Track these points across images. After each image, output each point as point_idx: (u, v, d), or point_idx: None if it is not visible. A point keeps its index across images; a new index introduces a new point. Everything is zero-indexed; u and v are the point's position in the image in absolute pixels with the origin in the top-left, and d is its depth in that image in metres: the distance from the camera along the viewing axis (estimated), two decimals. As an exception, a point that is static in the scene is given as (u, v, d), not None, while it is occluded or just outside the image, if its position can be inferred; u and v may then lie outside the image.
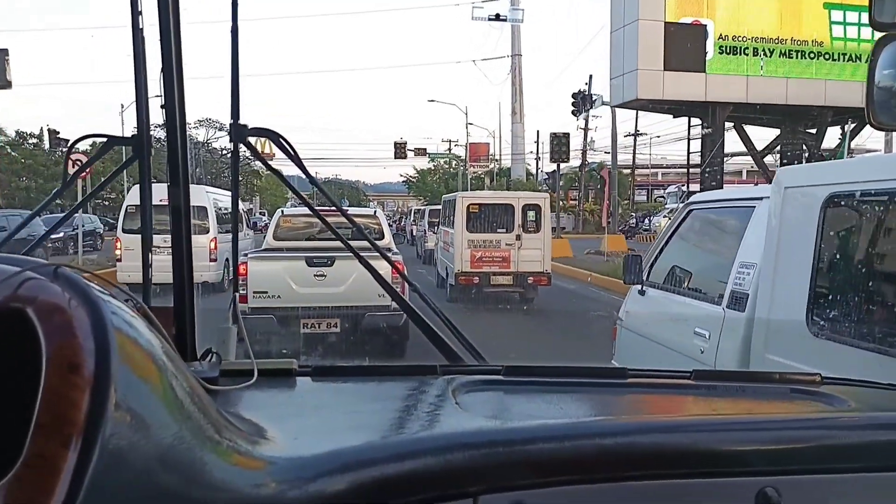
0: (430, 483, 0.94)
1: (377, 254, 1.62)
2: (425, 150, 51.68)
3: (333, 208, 1.87)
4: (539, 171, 54.42)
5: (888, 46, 1.37)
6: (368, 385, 1.38)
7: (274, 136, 1.45)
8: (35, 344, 0.69)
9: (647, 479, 1.02)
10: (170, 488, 0.72)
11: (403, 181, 60.72)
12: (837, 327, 2.62)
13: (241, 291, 6.98)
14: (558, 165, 33.21)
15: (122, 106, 42.30)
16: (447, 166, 57.68)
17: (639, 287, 4.72)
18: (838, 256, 2.79)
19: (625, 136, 45.24)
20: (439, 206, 17.75)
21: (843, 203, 2.73)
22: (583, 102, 34.93)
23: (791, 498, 1.04)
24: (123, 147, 1.44)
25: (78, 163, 9.80)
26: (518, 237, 12.58)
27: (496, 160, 52.82)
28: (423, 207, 30.96)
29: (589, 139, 43.10)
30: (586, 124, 37.46)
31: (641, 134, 47.01)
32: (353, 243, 1.63)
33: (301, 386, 1.33)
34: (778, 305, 2.95)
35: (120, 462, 0.66)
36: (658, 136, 44.76)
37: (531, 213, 12.84)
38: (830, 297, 2.73)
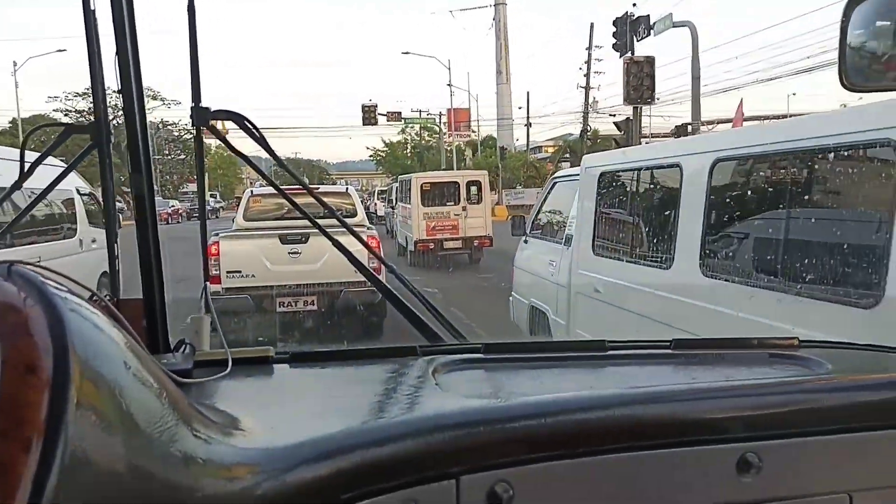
0: (411, 466, 0.94)
1: (355, 230, 1.60)
2: (399, 113, 43.53)
3: (302, 188, 1.83)
4: (527, 138, 45.81)
5: (859, 7, 1.33)
6: (347, 369, 1.37)
7: (238, 118, 1.42)
8: None
9: (628, 450, 1.03)
10: (139, 488, 0.70)
11: (370, 156, 55.95)
12: (604, 250, 4.67)
13: (213, 272, 6.64)
14: (638, 110, 19.32)
15: (15, 64, 38.48)
16: (419, 138, 52.53)
17: (524, 238, 6.75)
18: (605, 210, 4.83)
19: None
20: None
21: (610, 176, 4.77)
22: (631, 30, 18.63)
23: (772, 462, 1.05)
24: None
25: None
26: (464, 208, 15.28)
27: (473, 132, 47.13)
28: (389, 185, 30.70)
29: (591, 99, 36.97)
30: (628, 68, 17.53)
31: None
32: (325, 222, 1.61)
33: (278, 373, 1.31)
34: (582, 241, 4.99)
35: (84, 464, 0.63)
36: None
37: (473, 189, 15.65)
38: (601, 234, 4.78)
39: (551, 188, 6.64)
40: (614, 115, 39.75)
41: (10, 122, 42.38)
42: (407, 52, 48.75)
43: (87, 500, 0.63)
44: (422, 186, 15.62)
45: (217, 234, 7.72)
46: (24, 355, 0.64)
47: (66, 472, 0.60)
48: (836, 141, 2.54)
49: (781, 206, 2.88)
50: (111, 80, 1.31)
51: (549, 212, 6.54)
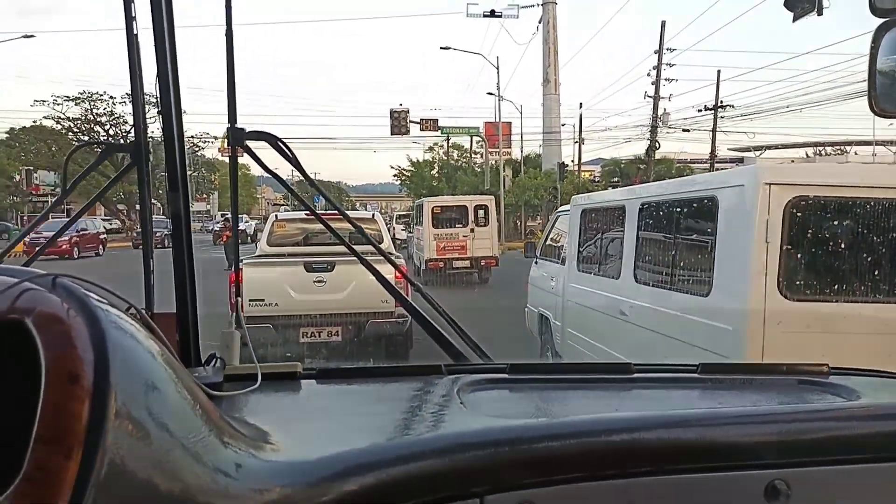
0: (435, 484, 0.94)
1: (379, 257, 1.61)
2: (435, 121, 35.22)
3: (332, 212, 1.83)
4: (578, 157, 39.48)
5: (889, 32, 1.32)
6: (373, 386, 1.37)
7: (272, 139, 1.43)
8: (35, 355, 0.68)
9: (654, 474, 1.01)
10: (173, 496, 0.71)
11: (395, 175, 50.89)
12: (584, 267, 6.22)
13: (234, 299, 6.91)
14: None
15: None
16: (447, 157, 48.28)
17: (535, 259, 8.31)
18: (586, 239, 6.36)
19: (700, 112, 32.79)
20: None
21: (588, 212, 6.32)
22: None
23: (801, 490, 1.03)
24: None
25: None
26: (472, 230, 16.72)
27: (507, 152, 40.65)
28: (410, 210, 29.69)
29: (661, 111, 32.35)
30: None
31: (725, 105, 32.63)
32: (355, 247, 1.62)
33: (306, 389, 1.32)
34: (570, 261, 6.53)
35: (122, 472, 0.65)
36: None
37: (481, 212, 17.07)
38: (583, 255, 6.32)
39: (555, 220, 8.19)
40: (688, 130, 34.84)
41: (6, 132, 42.11)
42: (447, 48, 37.61)
43: None
44: (433, 210, 17.31)
45: (241, 260, 7.75)
46: (67, 366, 0.66)
47: (105, 479, 0.62)
48: (695, 192, 4.10)
49: (667, 234, 4.44)
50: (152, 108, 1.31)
51: (553, 238, 8.09)
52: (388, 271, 1.66)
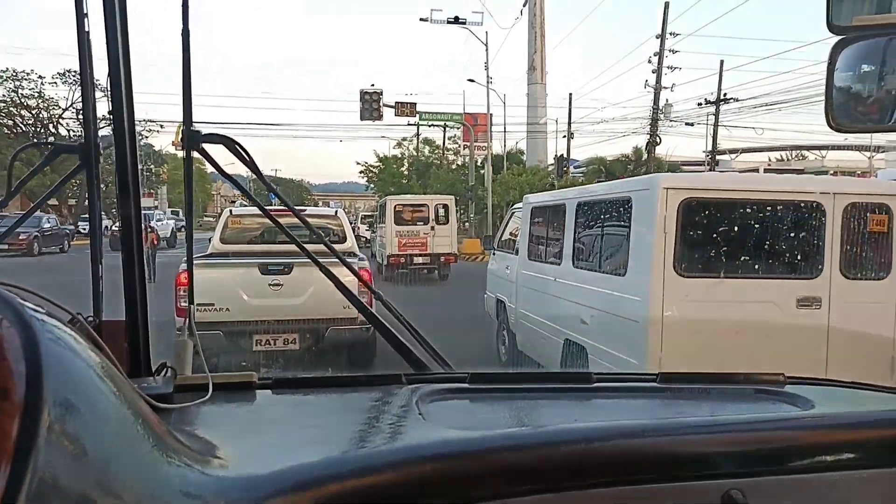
0: (391, 498, 0.92)
1: (330, 260, 1.56)
2: (412, 105, 29.61)
3: (287, 209, 1.76)
4: (567, 152, 34.99)
5: (845, 50, 1.35)
6: (331, 397, 1.35)
7: (229, 143, 1.40)
8: None
9: (612, 485, 1.01)
10: None
11: (361, 171, 47.39)
12: (533, 256, 7.27)
13: (182, 304, 5.84)
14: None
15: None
16: (417, 153, 45.30)
17: (492, 252, 9.36)
18: (535, 232, 7.41)
19: (699, 106, 30.17)
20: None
21: (537, 209, 7.38)
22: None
23: (756, 499, 1.04)
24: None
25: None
26: (433, 228, 17.60)
27: (484, 146, 35.02)
28: (375, 209, 28.42)
29: (662, 102, 29.41)
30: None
31: (728, 99, 29.83)
32: (313, 247, 1.58)
33: (260, 400, 1.29)
34: (522, 251, 7.59)
35: (54, 491, 0.61)
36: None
37: (441, 210, 17.93)
38: (532, 246, 7.38)
39: (510, 216, 9.25)
40: (692, 124, 31.62)
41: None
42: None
43: None
44: (395, 208, 18.16)
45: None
46: None
47: (35, 499, 0.58)
48: (616, 194, 5.19)
49: (595, 226, 5.53)
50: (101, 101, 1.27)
51: (509, 232, 9.15)
52: (348, 275, 1.60)
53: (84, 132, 1.33)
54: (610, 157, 34.25)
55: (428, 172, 41.37)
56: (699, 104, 30.90)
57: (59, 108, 40.73)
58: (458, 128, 40.48)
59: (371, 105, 26.77)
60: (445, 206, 18.45)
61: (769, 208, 4.51)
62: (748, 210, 4.49)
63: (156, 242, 16.20)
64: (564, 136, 35.53)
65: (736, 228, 4.49)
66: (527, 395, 1.37)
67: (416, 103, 29.63)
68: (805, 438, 1.13)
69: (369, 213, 31.83)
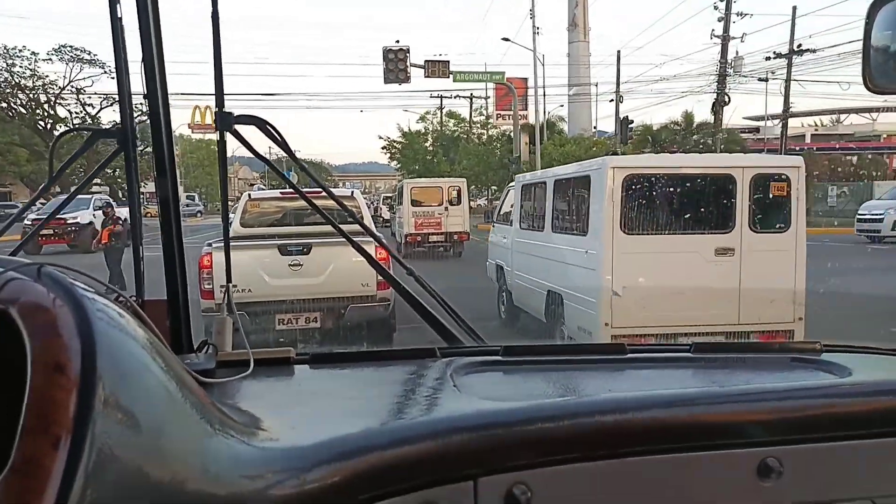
0: (429, 467, 0.94)
1: (363, 238, 1.59)
2: (445, 64, 24.43)
3: (313, 190, 1.79)
4: (616, 118, 30.83)
5: (884, 8, 1.30)
6: (366, 370, 1.38)
7: (260, 123, 1.41)
8: (20, 345, 0.67)
9: (647, 454, 1.02)
10: (163, 484, 0.71)
11: (383, 147, 43.93)
12: (524, 226, 8.68)
13: (206, 287, 6.12)
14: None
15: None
16: (441, 127, 42.47)
17: (493, 224, 10.78)
18: (525, 205, 8.81)
19: (770, 58, 26.57)
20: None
21: (526, 186, 8.77)
22: None
23: (793, 467, 1.05)
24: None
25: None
26: (446, 208, 18.99)
27: (522, 114, 30.61)
28: (395, 190, 27.30)
29: (732, 55, 25.93)
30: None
31: (806, 50, 26.36)
32: (330, 228, 1.64)
33: (299, 374, 1.32)
34: (516, 222, 8.99)
35: (111, 461, 0.65)
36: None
37: (454, 192, 19.31)
38: (523, 217, 8.78)
39: (507, 193, 10.64)
40: (765, 79, 27.36)
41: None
42: None
43: (112, 496, 0.64)
44: (412, 190, 19.65)
45: (210, 244, 6.66)
46: (52, 355, 0.65)
47: (93, 468, 0.62)
48: (580, 173, 6.59)
49: (567, 199, 6.94)
50: (137, 85, 1.28)
51: (508, 207, 10.55)
52: (370, 251, 1.62)
53: (121, 117, 1.35)
54: (656, 125, 31.42)
55: (455, 147, 39.25)
56: (766, 58, 26.63)
57: (57, 86, 37.85)
58: (486, 98, 38.15)
59: (397, 65, 22.06)
60: (458, 189, 19.84)
61: (693, 180, 5.90)
62: (676, 182, 5.88)
63: (108, 238, 11.18)
64: (611, 101, 31.21)
65: (667, 196, 5.88)
66: (560, 367, 1.37)
67: (448, 61, 24.46)
68: (842, 406, 1.11)
69: (389, 195, 31.57)
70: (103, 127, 1.47)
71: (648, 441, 1.03)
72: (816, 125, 47.38)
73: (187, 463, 0.76)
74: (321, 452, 0.90)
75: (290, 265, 6.82)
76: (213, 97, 1.39)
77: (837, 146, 40.55)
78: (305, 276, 6.76)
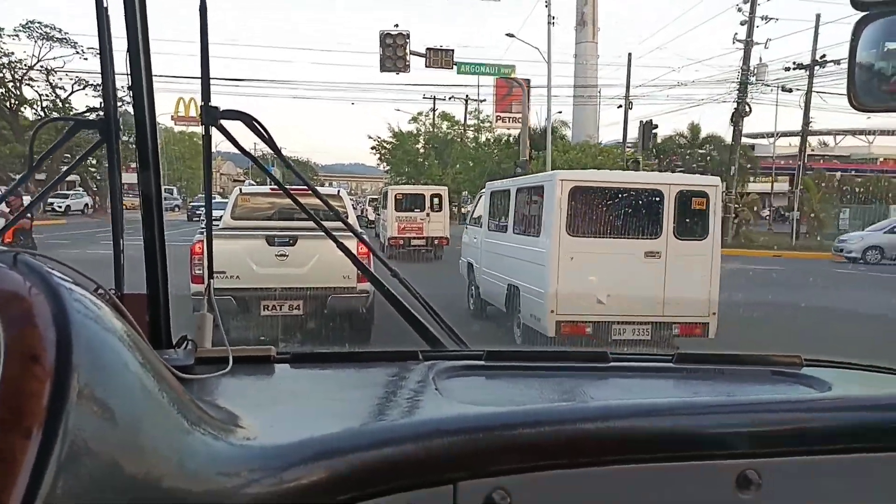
0: (409, 470, 0.94)
1: (346, 233, 1.62)
2: (449, 53, 22.13)
3: (299, 187, 1.79)
4: (625, 124, 29.16)
5: (869, 27, 1.29)
6: (348, 371, 1.37)
7: (247, 119, 1.39)
8: None
9: (627, 462, 1.02)
10: (138, 478, 0.70)
11: (372, 147, 42.16)
12: (491, 227, 9.78)
13: (196, 272, 6.47)
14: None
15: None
16: (434, 128, 41.03)
17: (466, 226, 11.88)
18: (492, 210, 9.90)
19: (789, 70, 24.58)
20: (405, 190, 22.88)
21: (494, 193, 9.88)
22: None
23: (772, 480, 1.05)
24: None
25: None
26: (428, 214, 19.98)
27: (519, 118, 28.40)
28: (380, 192, 27.10)
29: (755, 61, 24.14)
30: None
31: (829, 62, 24.21)
32: (314, 225, 1.64)
33: (279, 373, 1.31)
34: (485, 224, 10.08)
35: (84, 454, 0.63)
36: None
37: (436, 200, 20.29)
38: (491, 220, 9.87)
39: (479, 198, 11.74)
40: (790, 90, 25.17)
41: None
42: None
43: (85, 489, 0.63)
44: (395, 196, 20.54)
45: (201, 233, 7.07)
46: (27, 345, 0.64)
47: (66, 462, 0.61)
48: (536, 183, 7.72)
49: (526, 205, 8.06)
50: (121, 77, 1.24)
51: (479, 211, 11.66)
52: (352, 247, 1.64)
53: (104, 107, 1.33)
54: (662, 137, 29.61)
55: (448, 149, 38.09)
56: (786, 69, 24.96)
57: (24, 65, 34.37)
58: (480, 101, 36.14)
59: (395, 52, 19.67)
60: (439, 196, 20.93)
61: (628, 193, 7.03)
62: (614, 194, 7.01)
63: (12, 236, 9.17)
64: (620, 106, 29.37)
65: (606, 206, 7.00)
66: (542, 373, 1.38)
67: (452, 50, 22.15)
68: (822, 420, 1.11)
69: (375, 197, 31.12)
70: (86, 117, 1.45)
71: (630, 450, 1.04)
72: (811, 145, 44.03)
73: (163, 458, 0.75)
74: (300, 452, 0.89)
75: (276, 255, 7.16)
76: (199, 84, 1.36)
77: (838, 167, 39.80)
78: (290, 267, 7.10)
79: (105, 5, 1.25)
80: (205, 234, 1.64)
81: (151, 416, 0.76)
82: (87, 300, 0.75)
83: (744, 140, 28.45)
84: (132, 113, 1.32)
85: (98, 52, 1.30)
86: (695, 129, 29.72)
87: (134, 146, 1.32)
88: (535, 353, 1.47)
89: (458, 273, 11.74)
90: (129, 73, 1.27)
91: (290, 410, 1.13)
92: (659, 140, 28.80)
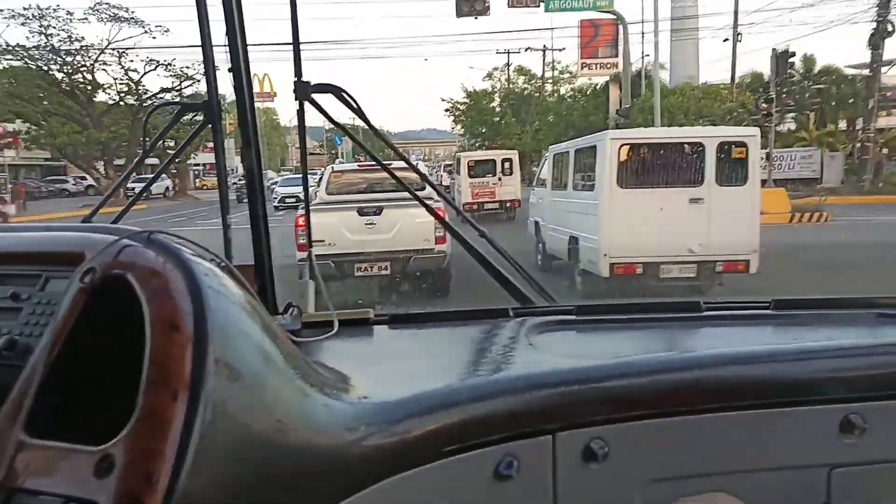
0: (509, 422, 0.98)
1: (431, 201, 1.70)
2: None
3: (385, 162, 1.85)
4: (733, 61, 25.39)
5: None
6: (443, 330, 1.43)
7: (337, 91, 1.43)
8: (138, 306, 0.73)
9: (725, 410, 1.03)
10: (269, 434, 0.77)
11: (446, 109, 39.45)
12: (555, 187, 10.74)
13: (301, 241, 7.64)
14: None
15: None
16: (509, 84, 38.75)
17: (532, 188, 12.86)
18: (555, 171, 10.84)
19: None
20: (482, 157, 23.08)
21: (556, 155, 10.81)
22: None
23: (877, 423, 1.04)
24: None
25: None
26: (500, 178, 20.93)
27: (612, 63, 27.14)
28: (454, 158, 26.45)
29: None
30: None
31: None
32: (396, 194, 2.33)
33: (378, 334, 1.38)
34: (549, 185, 11.05)
35: (223, 413, 0.70)
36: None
37: (507, 164, 21.12)
38: (554, 181, 10.82)
39: (543, 161, 12.69)
40: None
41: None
42: None
43: (226, 445, 0.70)
44: (468, 163, 21.51)
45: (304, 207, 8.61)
46: (168, 315, 0.71)
47: (209, 419, 0.67)
48: (590, 143, 8.67)
49: (582, 163, 9.02)
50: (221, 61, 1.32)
51: (543, 174, 12.62)
52: (427, 215, 1.77)
53: (207, 91, 1.40)
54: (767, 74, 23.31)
55: (526, 106, 36.20)
56: None
57: (96, 49, 32.66)
58: (556, 50, 33.89)
59: None
60: (510, 160, 21.79)
61: (672, 147, 7.88)
62: (660, 149, 7.88)
63: None
64: (726, 40, 25.24)
65: (653, 160, 7.88)
66: (635, 326, 1.38)
67: None
68: None
69: (450, 163, 30.77)
70: (190, 101, 1.52)
71: (726, 398, 1.04)
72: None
73: (290, 416, 0.81)
74: (407, 407, 0.95)
75: (365, 224, 8.15)
76: (292, 64, 1.40)
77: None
78: (378, 233, 8.10)
79: None
80: (304, 209, 1.80)
81: (276, 377, 0.82)
82: (214, 272, 0.80)
83: (860, 71, 24.92)
84: (224, 96, 1.33)
85: (200, 43, 1.34)
86: (808, 61, 25.46)
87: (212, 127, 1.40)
88: (626, 305, 1.48)
89: (528, 233, 12.76)
90: (228, 58, 1.33)
91: (392, 368, 1.18)
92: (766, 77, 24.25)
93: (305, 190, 1.77)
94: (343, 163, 15.22)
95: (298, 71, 1.42)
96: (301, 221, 7.93)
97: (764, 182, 15.48)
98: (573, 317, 1.41)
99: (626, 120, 20.28)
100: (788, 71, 22.39)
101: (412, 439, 0.93)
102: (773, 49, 19.68)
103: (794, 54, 20.22)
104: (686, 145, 7.94)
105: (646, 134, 8.57)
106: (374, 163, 1.85)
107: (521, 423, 1.00)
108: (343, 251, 7.98)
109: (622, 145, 7.84)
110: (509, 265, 1.61)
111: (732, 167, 7.87)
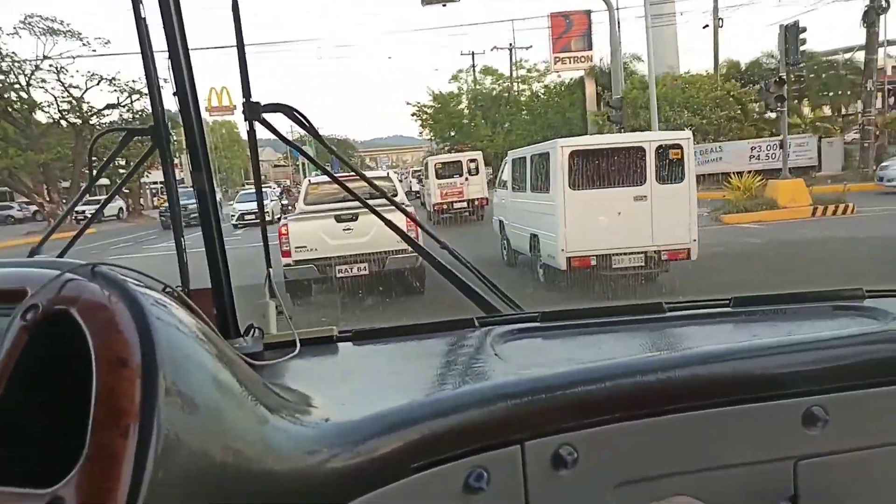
0: (476, 434, 0.98)
1: (393, 208, 1.86)
2: None
3: (351, 173, 1.92)
4: (716, 50, 25.90)
5: None
6: (408, 344, 1.41)
7: (288, 111, 1.43)
8: (83, 342, 0.70)
9: (689, 410, 1.05)
10: (227, 464, 0.75)
11: (413, 114, 39.15)
12: (515, 188, 11.65)
13: (285, 248, 8.51)
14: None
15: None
16: (477, 86, 37.65)
17: (495, 189, 13.78)
18: (515, 174, 11.74)
19: None
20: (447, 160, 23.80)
21: (515, 160, 11.73)
22: None
23: (839, 414, 1.06)
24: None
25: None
26: (466, 179, 21.81)
27: (586, 56, 27.92)
28: (423, 163, 27.86)
29: None
30: None
31: None
32: (372, 202, 1.73)
33: (343, 351, 1.36)
34: (510, 186, 11.97)
35: (177, 446, 0.68)
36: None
37: (472, 164, 22.05)
38: (515, 183, 11.74)
39: (504, 164, 13.61)
40: None
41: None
42: None
43: (181, 478, 0.68)
44: (435, 166, 22.53)
45: (286, 218, 9.48)
46: (114, 350, 0.69)
47: (162, 455, 0.66)
48: (544, 150, 9.61)
49: (539, 168, 9.96)
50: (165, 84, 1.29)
51: (504, 177, 13.54)
52: (400, 219, 1.82)
53: (153, 114, 1.36)
54: (746, 62, 24.31)
55: (495, 107, 34.72)
56: None
57: (30, 65, 29.79)
58: (528, 48, 35.97)
59: None
60: (475, 160, 22.76)
61: (616, 151, 8.86)
62: (606, 154, 8.85)
63: None
64: (706, 27, 24.87)
65: (600, 163, 8.85)
66: (599, 329, 1.39)
67: None
68: (886, 352, 1.12)
69: (418, 169, 32.56)
70: (140, 119, 1.95)
71: (691, 397, 1.05)
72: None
73: (249, 442, 0.79)
74: (372, 426, 0.93)
75: (343, 229, 8.86)
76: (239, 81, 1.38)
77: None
78: (355, 237, 8.75)
79: (143, 16, 1.26)
80: (288, 215, 2.58)
81: (232, 404, 0.82)
82: (162, 302, 0.80)
83: (845, 55, 24.56)
84: (173, 112, 1.36)
85: (141, 63, 1.31)
86: (868, 18, 22.12)
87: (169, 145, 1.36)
88: (590, 310, 1.48)
89: (494, 231, 13.67)
90: (172, 78, 1.30)
91: (357, 386, 1.16)
92: (744, 66, 24.54)
93: (261, 209, 1.78)
94: (317, 174, 15.12)
95: (247, 91, 1.42)
96: (283, 230, 8.83)
97: (778, 172, 16.36)
98: (538, 324, 1.43)
99: (618, 112, 19.50)
100: (769, 57, 21.78)
101: (378, 458, 0.93)
102: (781, 25, 18.24)
103: (805, 29, 17.88)
104: (629, 149, 8.92)
105: (593, 141, 9.57)
106: (349, 173, 1.99)
107: (488, 434, 1.00)
108: (324, 255, 8.74)
109: (571, 152, 8.78)
110: (472, 274, 1.66)
111: (670, 167, 8.87)
